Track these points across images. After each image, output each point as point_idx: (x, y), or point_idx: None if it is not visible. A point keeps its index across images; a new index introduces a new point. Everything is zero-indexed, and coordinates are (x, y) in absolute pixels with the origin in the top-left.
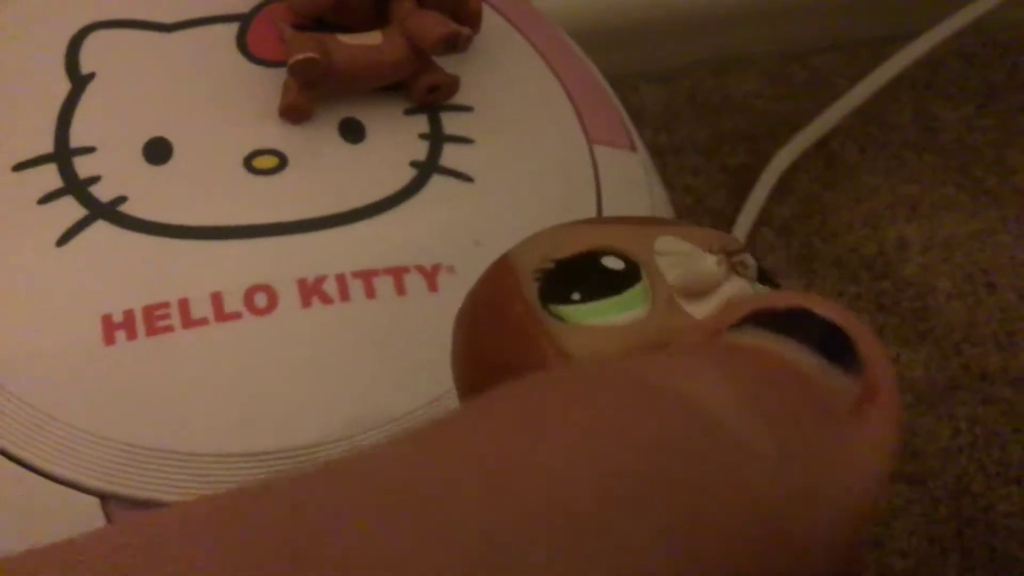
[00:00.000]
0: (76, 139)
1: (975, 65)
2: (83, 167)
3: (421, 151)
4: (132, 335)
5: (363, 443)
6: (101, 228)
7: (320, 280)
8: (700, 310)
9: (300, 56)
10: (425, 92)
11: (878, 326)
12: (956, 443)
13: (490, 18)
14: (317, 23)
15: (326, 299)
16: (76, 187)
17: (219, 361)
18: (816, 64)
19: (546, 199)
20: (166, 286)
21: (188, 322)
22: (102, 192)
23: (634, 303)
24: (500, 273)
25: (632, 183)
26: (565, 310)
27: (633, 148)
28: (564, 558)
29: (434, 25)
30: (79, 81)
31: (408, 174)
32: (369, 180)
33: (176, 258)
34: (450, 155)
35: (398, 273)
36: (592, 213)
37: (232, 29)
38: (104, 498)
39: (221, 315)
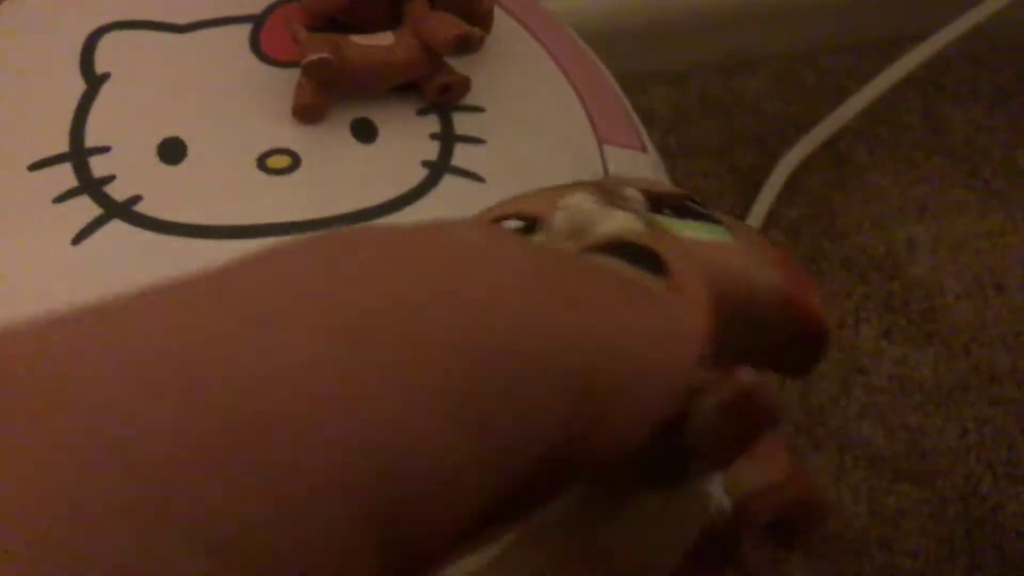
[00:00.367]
0: (91, 139)
1: (984, 67)
2: (98, 166)
3: (433, 151)
4: None
5: None
6: (116, 227)
7: None
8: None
9: (314, 56)
10: (437, 92)
11: (886, 326)
12: (964, 443)
13: (501, 19)
14: (330, 24)
15: None
16: (91, 186)
17: None
18: (825, 66)
19: None
20: None
21: None
22: (117, 191)
23: None
24: None
25: None
26: None
27: (644, 149)
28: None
29: (446, 26)
30: (94, 81)
31: (420, 174)
32: (381, 180)
33: (190, 257)
34: (462, 155)
35: None
36: None
37: (245, 30)
38: None
39: None
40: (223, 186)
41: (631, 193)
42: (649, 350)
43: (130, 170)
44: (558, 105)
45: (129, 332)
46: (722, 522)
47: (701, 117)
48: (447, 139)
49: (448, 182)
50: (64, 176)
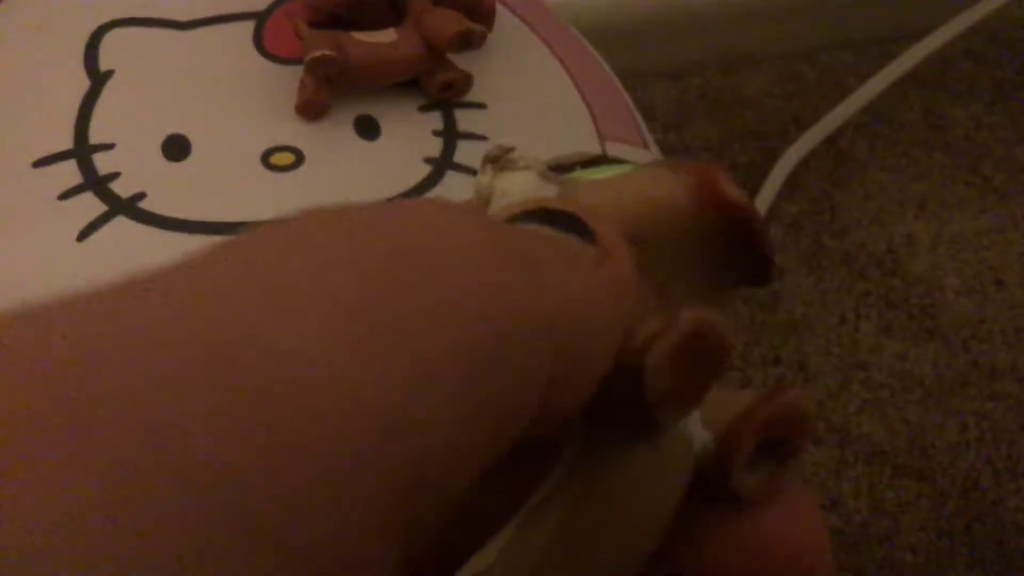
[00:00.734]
0: (95, 136)
1: (984, 63)
2: (103, 163)
3: (435, 147)
4: None
5: None
6: (121, 224)
7: None
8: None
9: (317, 53)
10: (439, 89)
11: (886, 322)
12: (964, 439)
13: (503, 16)
14: (332, 20)
15: None
16: (96, 183)
17: None
18: (825, 62)
19: None
20: None
21: None
22: (121, 188)
23: None
24: None
25: None
26: None
27: (645, 145)
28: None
29: (448, 23)
30: (98, 78)
31: (423, 170)
32: (384, 176)
33: None
34: (464, 151)
35: None
36: None
37: (248, 27)
38: None
39: None
40: (227, 183)
41: (516, 154)
42: (595, 305)
43: (134, 167)
44: (560, 101)
45: (164, 317)
46: (710, 459)
47: (702, 113)
48: (449, 135)
49: (451, 178)
50: (69, 173)
